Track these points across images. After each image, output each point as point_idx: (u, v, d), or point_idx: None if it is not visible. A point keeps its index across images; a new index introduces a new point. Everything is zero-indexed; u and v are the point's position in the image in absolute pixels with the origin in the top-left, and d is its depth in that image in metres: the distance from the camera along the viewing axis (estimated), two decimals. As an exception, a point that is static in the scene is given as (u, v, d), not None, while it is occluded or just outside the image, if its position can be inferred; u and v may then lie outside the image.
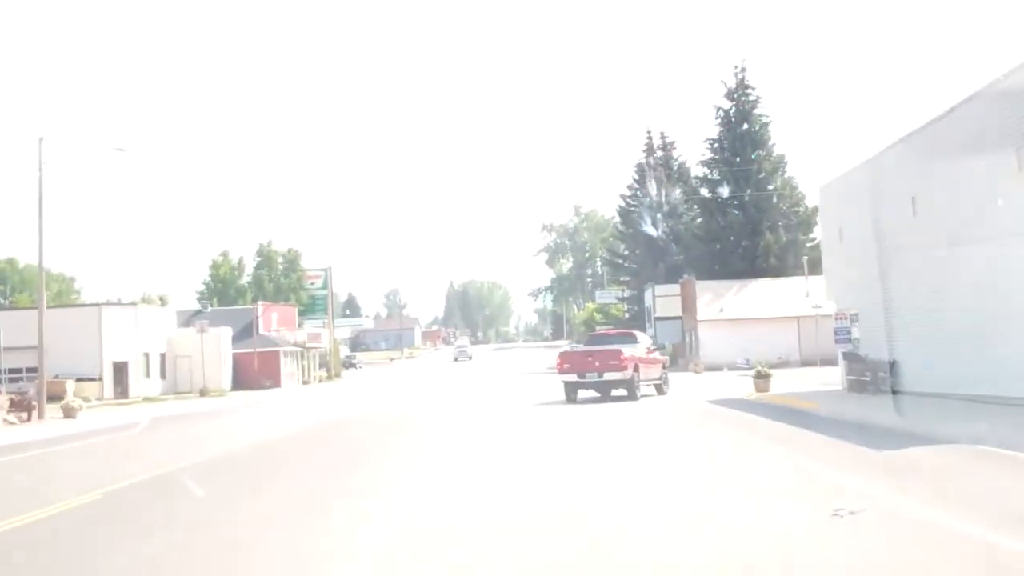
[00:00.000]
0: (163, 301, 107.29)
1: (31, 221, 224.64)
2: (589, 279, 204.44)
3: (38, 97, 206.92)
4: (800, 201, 80.00)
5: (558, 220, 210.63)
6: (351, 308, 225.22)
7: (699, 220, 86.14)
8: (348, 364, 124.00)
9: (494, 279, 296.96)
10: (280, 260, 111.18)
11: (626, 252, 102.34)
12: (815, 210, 79.97)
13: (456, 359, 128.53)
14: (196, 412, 45.80)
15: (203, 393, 63.73)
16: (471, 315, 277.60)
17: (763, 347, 69.13)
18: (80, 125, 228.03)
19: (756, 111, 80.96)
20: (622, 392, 35.18)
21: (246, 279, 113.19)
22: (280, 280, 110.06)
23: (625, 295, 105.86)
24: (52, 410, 41.23)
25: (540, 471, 16.11)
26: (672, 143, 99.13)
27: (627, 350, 35.53)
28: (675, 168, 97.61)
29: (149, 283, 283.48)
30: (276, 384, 77.08)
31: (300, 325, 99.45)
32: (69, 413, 40.04)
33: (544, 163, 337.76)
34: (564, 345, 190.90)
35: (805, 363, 67.69)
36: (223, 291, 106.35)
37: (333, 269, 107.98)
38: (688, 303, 75.42)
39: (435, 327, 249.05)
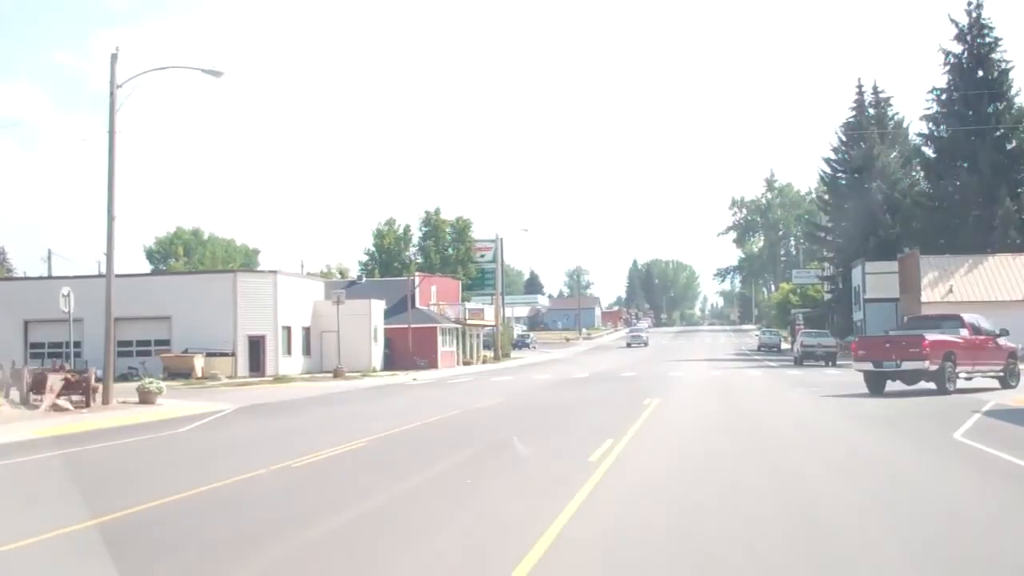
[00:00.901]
0: (343, 274, 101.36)
1: (218, 193, 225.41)
2: (782, 259, 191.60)
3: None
4: (1048, 162, 67.32)
5: (749, 195, 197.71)
6: (533, 286, 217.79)
7: (921, 186, 74.00)
8: (521, 344, 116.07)
9: (679, 258, 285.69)
10: (448, 230, 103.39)
11: (829, 224, 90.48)
12: (1064, 173, 67.49)
13: (629, 344, 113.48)
14: (309, 398, 37.88)
15: (337, 374, 55.80)
16: (654, 296, 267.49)
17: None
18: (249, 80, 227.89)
19: (994, 55, 68.38)
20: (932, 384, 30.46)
21: (412, 250, 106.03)
22: (447, 252, 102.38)
23: (827, 274, 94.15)
24: (127, 392, 33.78)
25: None
26: (887, 99, 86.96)
27: (936, 335, 30.67)
28: (890, 127, 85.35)
29: (327, 255, 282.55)
30: (432, 364, 69.20)
31: (467, 300, 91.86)
32: (146, 398, 32.49)
33: (736, 132, 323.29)
34: (753, 329, 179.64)
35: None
36: (387, 262, 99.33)
37: (506, 241, 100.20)
38: (908, 282, 63.85)
39: (616, 308, 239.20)
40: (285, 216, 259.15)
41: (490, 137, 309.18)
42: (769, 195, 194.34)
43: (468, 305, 78.46)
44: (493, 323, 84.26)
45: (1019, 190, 66.28)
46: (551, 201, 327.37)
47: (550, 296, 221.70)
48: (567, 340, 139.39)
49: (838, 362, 63.24)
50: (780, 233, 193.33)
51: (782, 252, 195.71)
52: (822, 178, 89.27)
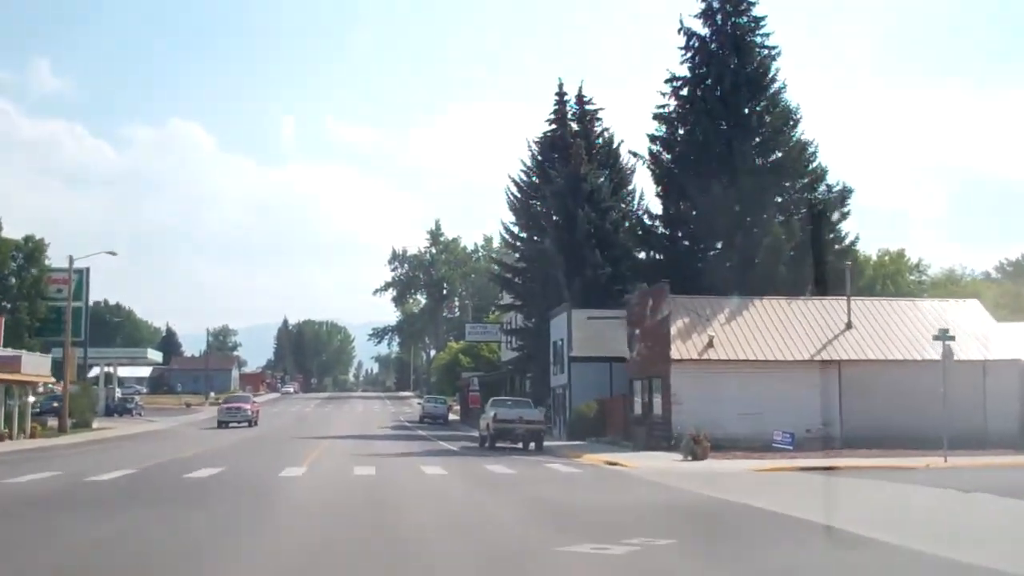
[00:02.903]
0: None
1: None
2: (446, 319, 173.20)
3: None
4: (821, 177, 50.22)
5: (412, 249, 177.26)
6: (170, 344, 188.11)
7: (646, 213, 55.46)
8: (121, 409, 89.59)
9: (335, 319, 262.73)
10: (13, 253, 75.69)
11: (520, 264, 70.63)
12: (844, 192, 50.69)
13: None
14: None
15: None
16: (305, 359, 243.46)
17: (776, 411, 40.05)
18: None
19: (755, 37, 51.08)
20: None
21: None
22: (8, 281, 74.73)
23: (511, 327, 74.65)
24: None
25: None
26: (595, 111, 68.70)
27: None
28: (598, 144, 67.25)
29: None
30: (-83, 441, 43.13)
31: (44, 350, 65.71)
32: None
33: (401, 172, 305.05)
34: (411, 397, 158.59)
35: (850, 442, 38.32)
36: (-85, 290, 70.88)
37: (105, 276, 74.32)
38: (650, 333, 44.32)
39: (261, 370, 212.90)
40: None
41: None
42: (434, 250, 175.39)
43: (31, 355, 51.97)
44: (39, 379, 58.19)
45: (791, 212, 48.84)
46: (194, 251, 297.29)
47: (187, 355, 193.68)
48: (188, 406, 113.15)
49: (544, 443, 43.39)
50: (444, 292, 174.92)
51: (445, 314, 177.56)
52: (510, 205, 69.66)
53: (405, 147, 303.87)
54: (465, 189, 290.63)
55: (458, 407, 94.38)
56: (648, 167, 51.76)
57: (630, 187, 66.21)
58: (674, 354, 40.87)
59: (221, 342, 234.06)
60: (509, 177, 68.56)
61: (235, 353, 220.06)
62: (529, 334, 66.51)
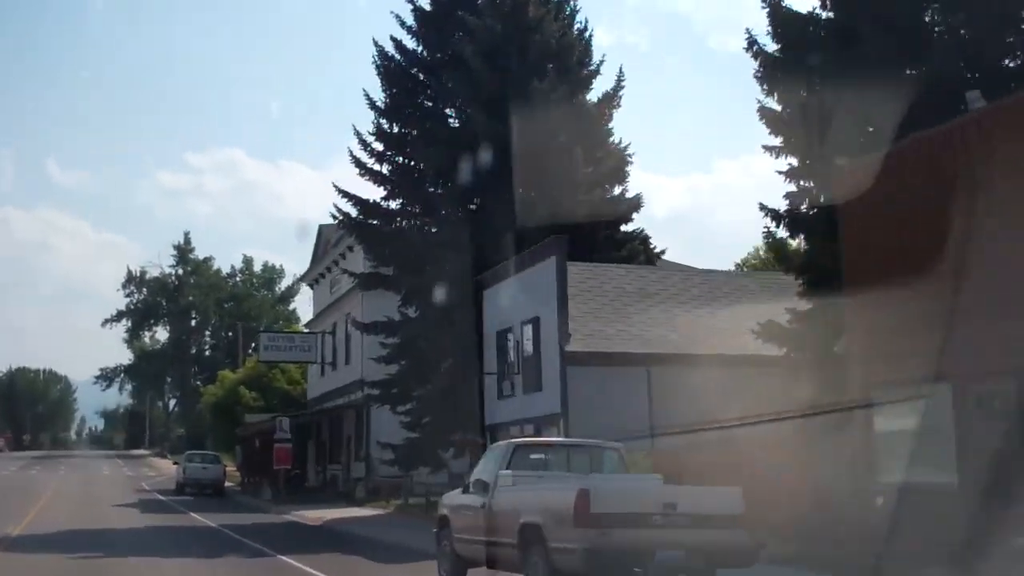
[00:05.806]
0: None
1: None
2: (194, 359, 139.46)
3: None
4: None
5: (153, 270, 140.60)
6: None
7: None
8: None
9: (54, 367, 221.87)
10: None
11: (391, 202, 38.45)
12: None
13: None
14: None
15: None
16: (18, 412, 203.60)
17: None
18: None
19: None
20: None
21: None
22: None
23: (368, 322, 42.68)
24: None
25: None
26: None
27: None
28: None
29: None
30: None
31: None
32: None
33: (134, 218, 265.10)
34: (149, 455, 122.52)
35: None
36: None
37: None
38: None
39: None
40: None
41: None
42: (181, 271, 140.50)
43: None
44: None
45: None
46: None
47: None
48: None
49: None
50: (194, 323, 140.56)
51: (193, 351, 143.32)
52: (379, 101, 37.83)
53: (139, 192, 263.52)
54: (214, 231, 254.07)
55: (236, 470, 62.15)
56: None
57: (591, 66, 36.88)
58: None
59: None
60: (375, 45, 37.14)
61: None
62: (415, 328, 35.15)
